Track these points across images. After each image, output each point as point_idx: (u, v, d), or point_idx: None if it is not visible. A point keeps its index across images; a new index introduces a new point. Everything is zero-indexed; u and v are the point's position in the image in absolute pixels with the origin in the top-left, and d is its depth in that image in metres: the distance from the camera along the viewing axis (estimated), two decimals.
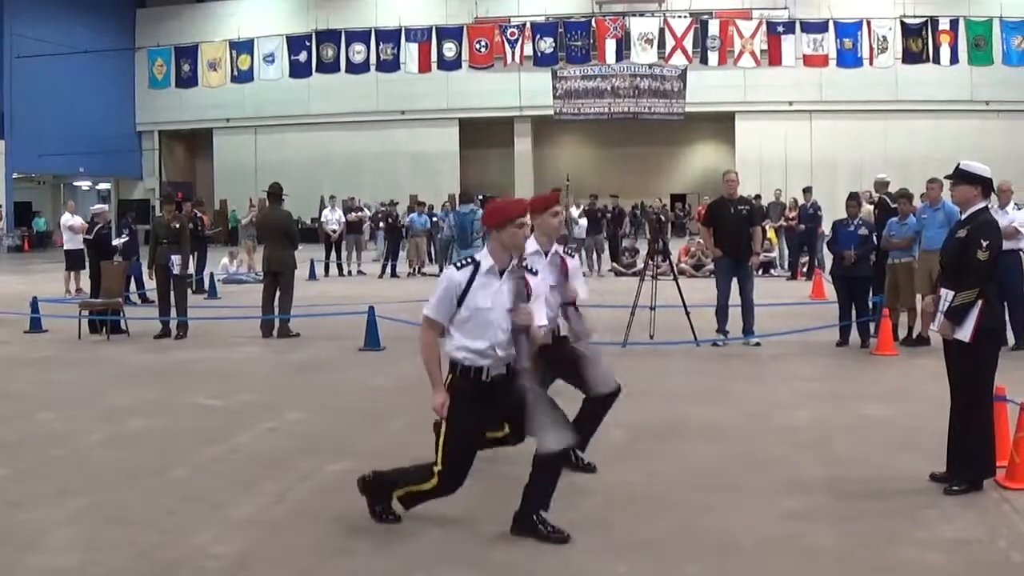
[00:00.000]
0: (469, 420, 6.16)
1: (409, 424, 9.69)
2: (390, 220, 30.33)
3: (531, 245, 7.46)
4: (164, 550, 6.11)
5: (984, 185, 7.27)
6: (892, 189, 15.93)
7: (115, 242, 18.81)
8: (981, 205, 7.26)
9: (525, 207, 6.49)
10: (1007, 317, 12.91)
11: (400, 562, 5.90)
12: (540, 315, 6.37)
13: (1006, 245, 12.60)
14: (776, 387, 11.49)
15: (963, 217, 7.34)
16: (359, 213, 30.67)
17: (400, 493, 6.42)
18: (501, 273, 6.18)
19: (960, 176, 7.34)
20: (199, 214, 23.51)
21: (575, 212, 27.72)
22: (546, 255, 7.54)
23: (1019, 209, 13.99)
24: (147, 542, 6.24)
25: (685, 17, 43.28)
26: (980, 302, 7.00)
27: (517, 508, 6.26)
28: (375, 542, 6.23)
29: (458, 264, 6.28)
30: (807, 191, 27.15)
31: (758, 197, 28.80)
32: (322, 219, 31.14)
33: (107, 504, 7.06)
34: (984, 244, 7.03)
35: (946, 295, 7.15)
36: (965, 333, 7.02)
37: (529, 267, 6.48)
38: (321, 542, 6.24)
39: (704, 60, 41.46)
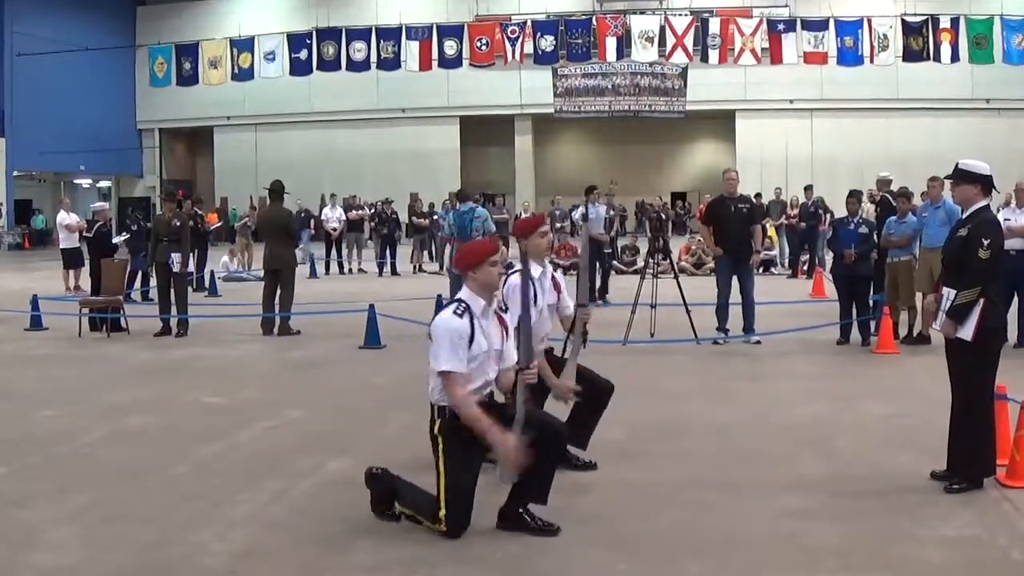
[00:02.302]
0: (463, 461, 6.21)
1: (407, 421, 9.67)
2: (381, 218, 30.27)
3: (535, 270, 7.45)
4: (164, 548, 6.11)
5: (984, 183, 7.26)
6: (894, 187, 15.93)
7: (115, 240, 18.79)
8: (982, 203, 7.24)
9: (495, 246, 6.54)
10: (1017, 315, 13.05)
11: (401, 559, 5.90)
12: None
13: (1020, 244, 12.66)
14: (777, 385, 11.50)
15: (964, 216, 7.34)
16: (360, 211, 30.66)
17: (405, 510, 6.41)
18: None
19: (960, 175, 7.34)
20: (199, 211, 23.51)
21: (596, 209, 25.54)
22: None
23: None
24: (147, 540, 6.24)
25: (686, 15, 43.29)
26: (982, 301, 7.00)
27: (504, 503, 6.31)
28: (376, 539, 6.24)
29: (457, 311, 6.22)
30: (808, 189, 27.25)
31: (758, 196, 28.83)
32: (322, 217, 31.17)
33: (107, 502, 7.07)
34: (985, 243, 7.02)
35: (948, 294, 7.14)
36: (967, 332, 7.01)
37: (502, 306, 6.58)
38: (321, 540, 6.24)
39: (705, 58, 41.48)
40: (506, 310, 6.58)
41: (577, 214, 20.32)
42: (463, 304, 6.25)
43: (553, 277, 7.78)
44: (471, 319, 6.20)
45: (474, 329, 6.18)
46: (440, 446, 6.25)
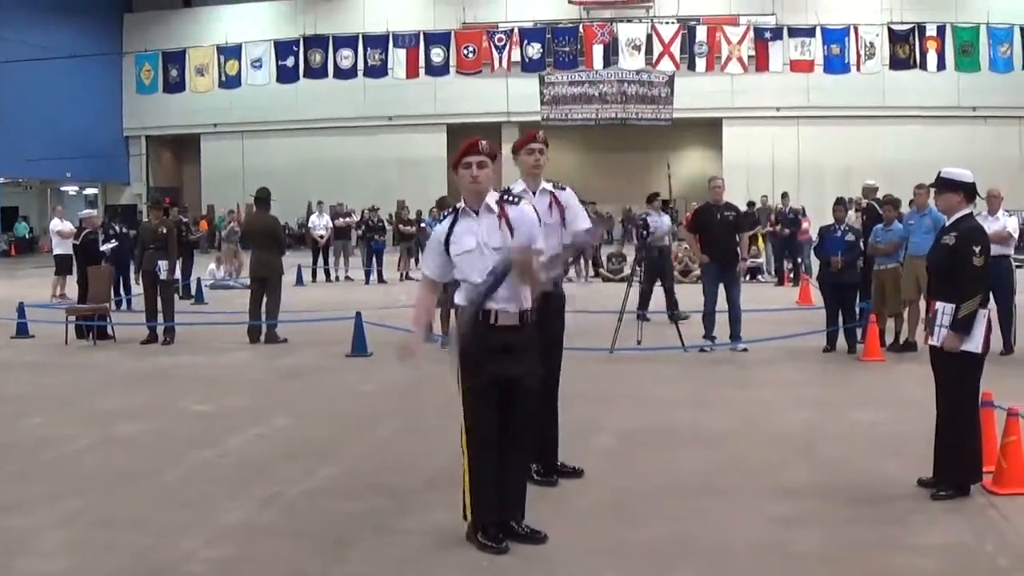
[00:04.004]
0: (481, 367, 6.11)
1: (396, 428, 9.75)
2: (366, 226, 30.27)
3: (518, 185, 7.48)
4: (155, 554, 6.12)
5: (967, 191, 7.33)
6: (881, 195, 15.98)
7: (103, 248, 18.77)
8: (966, 211, 7.31)
9: (467, 146, 6.37)
10: (999, 322, 13.10)
11: (392, 565, 5.92)
12: (535, 239, 6.28)
13: (996, 251, 12.69)
14: (764, 392, 11.53)
15: (948, 224, 7.40)
16: (347, 219, 30.65)
17: (469, 507, 6.24)
18: (476, 212, 6.25)
19: (942, 183, 7.41)
20: (184, 219, 23.48)
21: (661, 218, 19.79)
22: (534, 194, 7.49)
23: (1009, 215, 14.10)
24: (138, 546, 6.25)
25: (673, 23, 43.36)
26: (985, 311, 7.08)
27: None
28: (366, 545, 6.26)
29: (440, 218, 6.30)
30: (784, 196, 27.49)
31: (752, 204, 28.99)
32: (309, 224, 31.18)
33: (97, 508, 7.08)
34: (978, 251, 7.09)
35: (943, 308, 7.16)
36: (976, 344, 7.06)
37: (511, 199, 6.44)
38: (311, 546, 6.25)
39: (691, 66, 41.57)
40: (515, 202, 6.42)
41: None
42: (453, 208, 6.40)
43: (553, 195, 7.63)
44: (453, 221, 6.27)
45: (452, 230, 6.23)
46: (455, 347, 6.26)
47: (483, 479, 6.14)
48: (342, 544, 6.31)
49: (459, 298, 6.27)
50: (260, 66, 43.86)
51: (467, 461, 6.17)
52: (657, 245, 18.13)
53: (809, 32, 40.83)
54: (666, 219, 19.64)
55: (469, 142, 6.36)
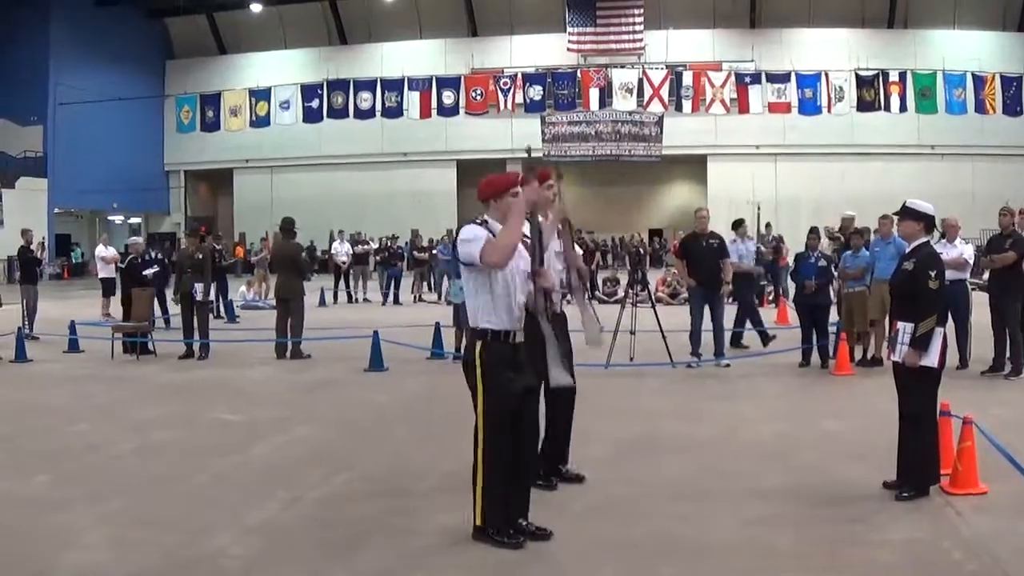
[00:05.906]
0: (503, 383, 5.99)
1: (408, 437, 9.71)
2: (387, 253, 30.29)
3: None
4: (187, 549, 6.11)
5: (927, 221, 7.37)
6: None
7: (146, 272, 18.76)
8: (924, 239, 7.35)
9: (515, 179, 6.32)
10: (956, 339, 13.07)
11: (401, 563, 5.90)
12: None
13: (954, 275, 12.71)
14: (744, 404, 11.49)
15: (908, 251, 7.43)
16: (365, 246, 30.68)
17: (478, 505, 6.15)
18: None
19: (906, 212, 7.43)
20: (217, 246, 23.45)
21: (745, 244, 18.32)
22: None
23: (966, 243, 14.07)
24: (171, 542, 6.24)
25: (661, 68, 43.56)
26: (941, 329, 7.08)
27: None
28: (378, 544, 6.24)
29: (477, 221, 6.11)
30: (768, 227, 27.50)
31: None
32: (332, 251, 31.21)
33: (136, 507, 7.07)
34: (933, 275, 7.11)
35: (904, 327, 7.18)
36: (932, 359, 7.07)
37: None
38: (328, 544, 6.24)
39: (679, 107, 41.74)
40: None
41: (734, 256, 16.14)
42: (485, 220, 6.13)
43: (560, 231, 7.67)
44: (489, 232, 6.01)
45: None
46: (479, 371, 6.03)
47: (497, 484, 6.10)
48: (356, 543, 6.29)
49: (474, 320, 6.14)
50: (288, 107, 44.04)
51: (482, 467, 6.10)
52: (742, 271, 16.78)
53: (785, 78, 41.00)
54: (751, 245, 18.65)
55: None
